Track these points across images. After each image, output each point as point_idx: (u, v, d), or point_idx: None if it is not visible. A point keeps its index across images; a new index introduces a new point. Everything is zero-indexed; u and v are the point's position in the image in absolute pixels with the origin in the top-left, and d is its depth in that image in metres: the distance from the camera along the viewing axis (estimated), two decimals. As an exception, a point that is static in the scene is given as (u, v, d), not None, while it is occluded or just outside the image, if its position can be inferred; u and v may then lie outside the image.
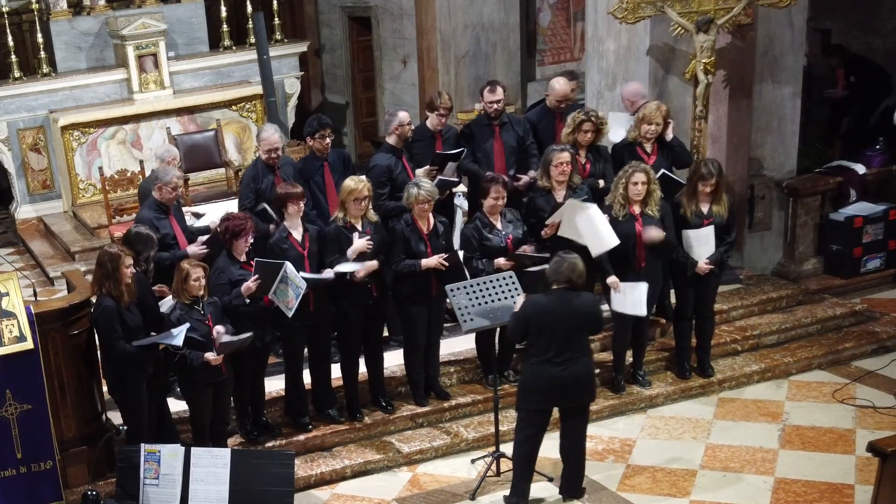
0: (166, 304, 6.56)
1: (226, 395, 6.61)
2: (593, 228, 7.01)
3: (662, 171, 7.46)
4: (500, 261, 7.04)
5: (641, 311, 7.14)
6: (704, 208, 7.31)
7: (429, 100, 8.15)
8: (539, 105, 8.69)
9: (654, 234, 7.09)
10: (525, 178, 7.98)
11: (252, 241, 6.67)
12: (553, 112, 8.22)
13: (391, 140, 7.72)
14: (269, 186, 7.44)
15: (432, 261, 6.91)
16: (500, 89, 8.05)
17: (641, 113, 7.77)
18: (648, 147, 7.77)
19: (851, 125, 10.84)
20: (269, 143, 7.52)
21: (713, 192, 7.26)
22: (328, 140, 7.62)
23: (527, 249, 7.08)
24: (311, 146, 7.67)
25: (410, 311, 7.10)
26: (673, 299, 7.72)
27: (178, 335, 6.16)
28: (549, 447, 7.09)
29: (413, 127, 7.78)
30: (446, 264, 6.90)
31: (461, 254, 7.02)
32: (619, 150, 7.87)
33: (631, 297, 7.10)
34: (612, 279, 7.12)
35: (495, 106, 8.00)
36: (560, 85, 8.17)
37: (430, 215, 7.03)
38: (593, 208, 7.07)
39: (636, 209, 7.13)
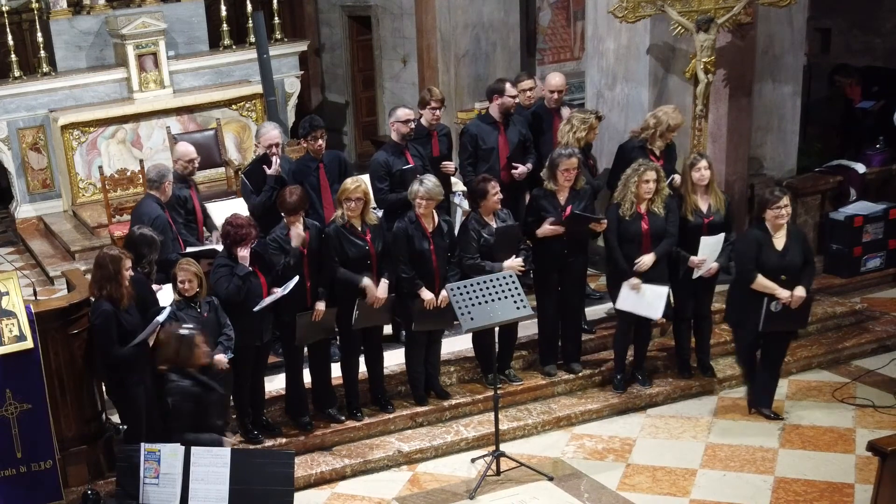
0: (165, 299, 6.56)
1: (225, 393, 6.60)
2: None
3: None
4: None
5: (657, 314, 7.22)
6: (703, 206, 7.30)
7: (420, 98, 8.20)
8: (537, 101, 8.71)
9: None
10: (522, 168, 8.05)
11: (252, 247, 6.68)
12: (549, 110, 8.21)
13: (393, 136, 7.78)
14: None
15: (429, 296, 6.97)
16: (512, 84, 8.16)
17: (670, 122, 7.67)
18: (657, 151, 7.77)
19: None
20: (268, 138, 7.54)
21: (707, 182, 7.26)
22: (321, 142, 7.62)
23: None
24: (306, 147, 7.69)
25: (411, 309, 7.09)
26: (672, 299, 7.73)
27: (161, 318, 6.19)
28: (550, 446, 7.11)
29: (414, 123, 7.79)
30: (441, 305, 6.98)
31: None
32: (629, 152, 7.82)
33: (649, 299, 7.15)
34: (634, 280, 7.14)
35: (515, 101, 8.08)
36: (556, 78, 8.19)
37: (435, 214, 7.03)
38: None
39: (643, 207, 7.14)
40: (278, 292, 6.63)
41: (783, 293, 6.88)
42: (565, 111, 8.26)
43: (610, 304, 7.64)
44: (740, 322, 7.20)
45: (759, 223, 7.05)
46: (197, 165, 7.84)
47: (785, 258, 6.93)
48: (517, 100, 8.14)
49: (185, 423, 5.71)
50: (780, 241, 6.95)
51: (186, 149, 7.81)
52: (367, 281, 6.86)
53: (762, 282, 6.91)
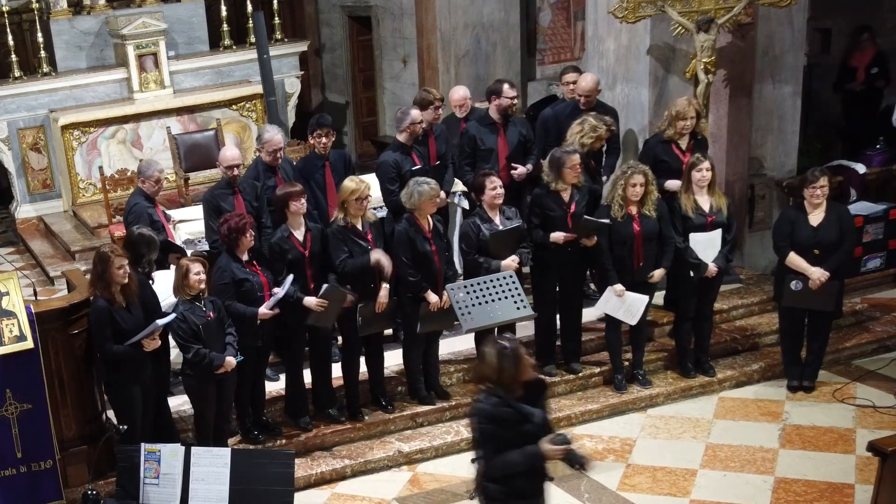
0: (167, 303, 6.57)
1: (228, 392, 6.61)
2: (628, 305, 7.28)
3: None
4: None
5: (633, 320, 7.30)
6: (704, 204, 7.30)
7: (420, 99, 8.13)
8: (555, 102, 8.69)
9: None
10: (521, 169, 8.05)
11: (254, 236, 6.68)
12: (582, 110, 8.07)
13: (401, 137, 7.73)
14: (271, 188, 7.43)
15: (435, 298, 6.96)
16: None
17: (674, 110, 7.72)
18: (684, 144, 7.76)
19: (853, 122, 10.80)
20: (272, 143, 7.50)
21: (707, 183, 7.27)
22: (325, 140, 7.63)
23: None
24: (312, 144, 7.73)
25: (411, 310, 7.09)
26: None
27: (161, 322, 6.21)
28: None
29: (424, 126, 7.80)
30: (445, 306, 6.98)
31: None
32: (653, 147, 7.84)
33: (628, 306, 7.22)
34: (618, 287, 7.16)
35: (516, 102, 8.07)
36: (587, 81, 8.11)
37: (428, 215, 7.03)
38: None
39: (633, 209, 7.14)
40: (279, 292, 6.62)
41: (814, 272, 7.14)
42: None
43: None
44: (776, 298, 7.59)
45: (799, 202, 7.35)
46: (239, 171, 7.36)
47: (817, 234, 7.19)
48: (515, 101, 8.11)
49: (493, 448, 4.75)
50: (816, 218, 7.23)
51: (226, 154, 7.43)
52: (374, 254, 6.83)
53: (793, 259, 7.25)
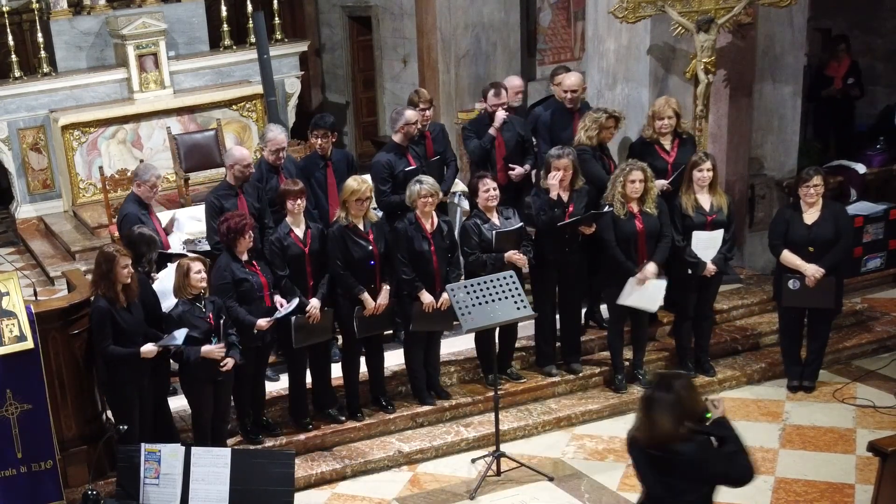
0: (167, 303, 6.56)
1: (226, 392, 6.61)
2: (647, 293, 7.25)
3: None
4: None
5: (654, 306, 7.31)
6: (705, 203, 7.30)
7: (408, 100, 8.18)
8: (547, 103, 8.67)
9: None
10: (519, 170, 8.06)
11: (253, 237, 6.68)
12: (569, 109, 8.09)
13: (396, 138, 7.74)
14: (273, 188, 7.44)
15: (429, 299, 6.97)
16: (503, 91, 8.10)
17: (651, 110, 7.76)
18: (667, 143, 7.76)
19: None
20: (275, 143, 7.52)
21: (710, 181, 7.27)
22: (321, 141, 7.63)
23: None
24: (312, 145, 7.75)
25: (409, 309, 7.08)
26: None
27: (180, 337, 6.20)
28: (550, 447, 7.11)
29: (420, 126, 7.80)
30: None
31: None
32: (636, 148, 7.85)
33: (650, 292, 7.20)
34: (642, 275, 7.11)
35: (502, 106, 8.04)
36: (571, 78, 8.10)
37: (434, 214, 7.03)
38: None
39: (634, 207, 7.14)
40: (284, 310, 6.65)
41: (808, 268, 7.16)
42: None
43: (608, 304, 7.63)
44: (776, 298, 7.58)
45: (795, 201, 7.37)
46: (253, 170, 7.36)
47: (811, 232, 7.23)
48: (501, 107, 8.01)
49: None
50: (810, 216, 7.26)
51: (237, 154, 7.34)
52: (365, 296, 6.88)
53: (787, 257, 7.28)
